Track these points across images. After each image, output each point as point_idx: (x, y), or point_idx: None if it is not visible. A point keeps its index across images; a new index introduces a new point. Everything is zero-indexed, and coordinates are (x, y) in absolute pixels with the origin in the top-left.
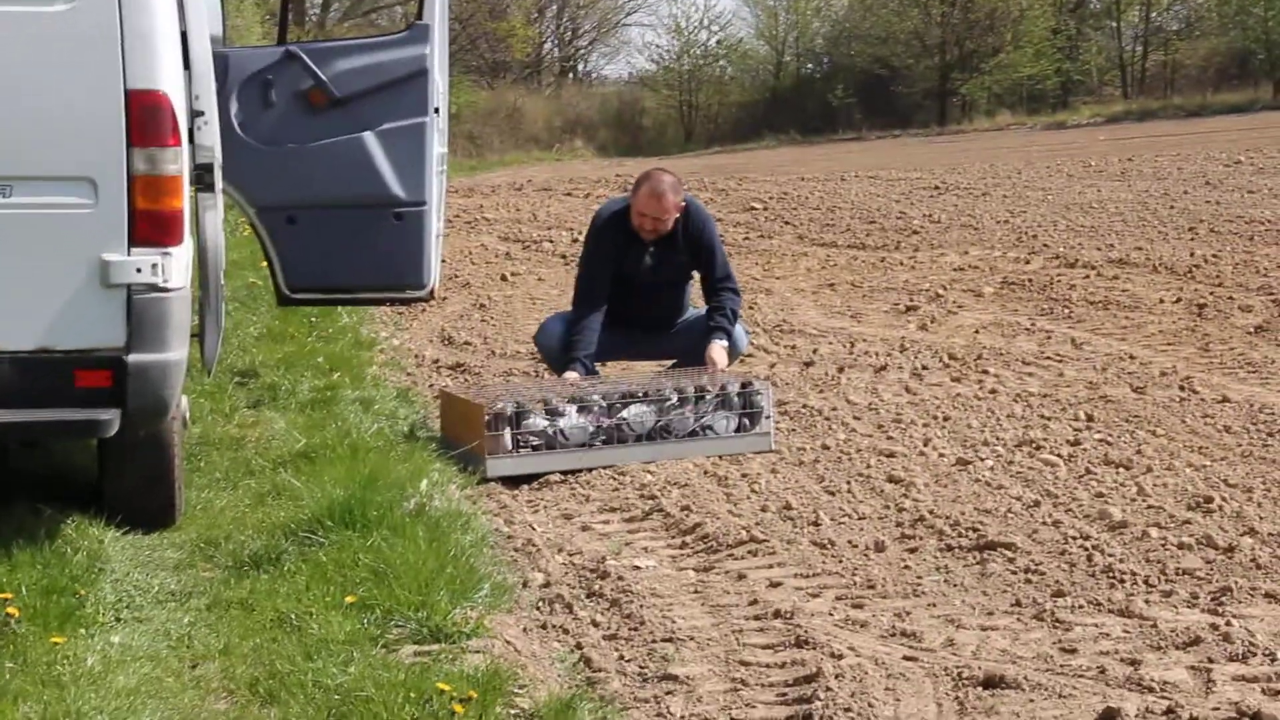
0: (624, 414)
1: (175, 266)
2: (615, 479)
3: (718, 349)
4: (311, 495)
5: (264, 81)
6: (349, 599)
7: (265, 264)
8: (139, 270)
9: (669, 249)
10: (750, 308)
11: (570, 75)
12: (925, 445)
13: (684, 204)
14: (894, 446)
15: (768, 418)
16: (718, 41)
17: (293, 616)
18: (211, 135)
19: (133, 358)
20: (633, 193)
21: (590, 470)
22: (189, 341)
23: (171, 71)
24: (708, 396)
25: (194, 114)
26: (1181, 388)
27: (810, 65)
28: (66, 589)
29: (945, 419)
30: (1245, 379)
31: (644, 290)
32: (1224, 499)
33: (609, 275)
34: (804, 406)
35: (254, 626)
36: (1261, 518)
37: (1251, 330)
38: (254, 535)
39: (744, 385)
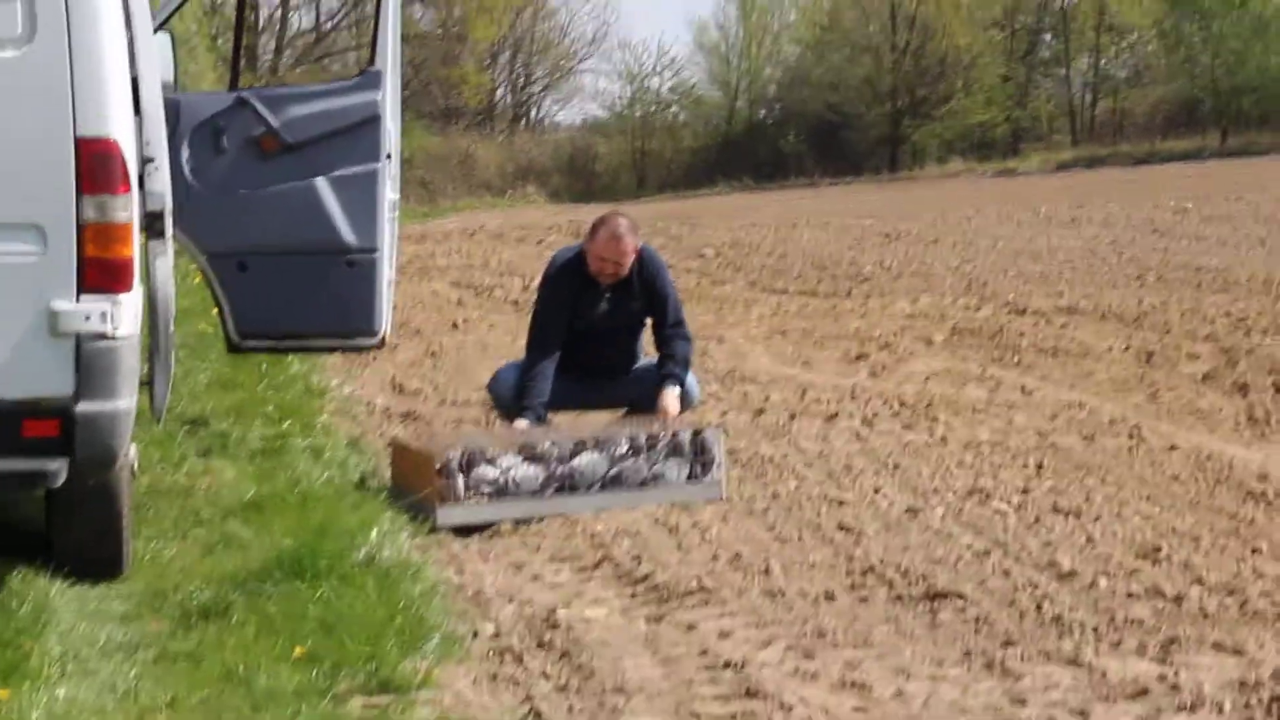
0: (575, 463)
1: (125, 314)
2: (566, 528)
3: (670, 397)
4: (260, 545)
5: (215, 128)
6: (298, 651)
7: (215, 311)
8: (88, 318)
9: (624, 295)
10: (702, 355)
11: (523, 121)
12: (876, 493)
13: (639, 249)
14: (844, 495)
15: (719, 466)
16: (670, 88)
17: (240, 669)
18: (162, 182)
19: (81, 407)
20: (589, 237)
21: (541, 520)
22: (138, 390)
23: (122, 118)
24: (659, 444)
25: (144, 160)
26: (1130, 436)
27: (763, 111)
28: (11, 642)
29: (895, 467)
30: (1193, 427)
31: (598, 337)
32: (1172, 548)
33: (564, 322)
34: (755, 454)
35: (201, 679)
36: (1209, 567)
37: (1199, 378)
38: (202, 586)
39: (695, 433)
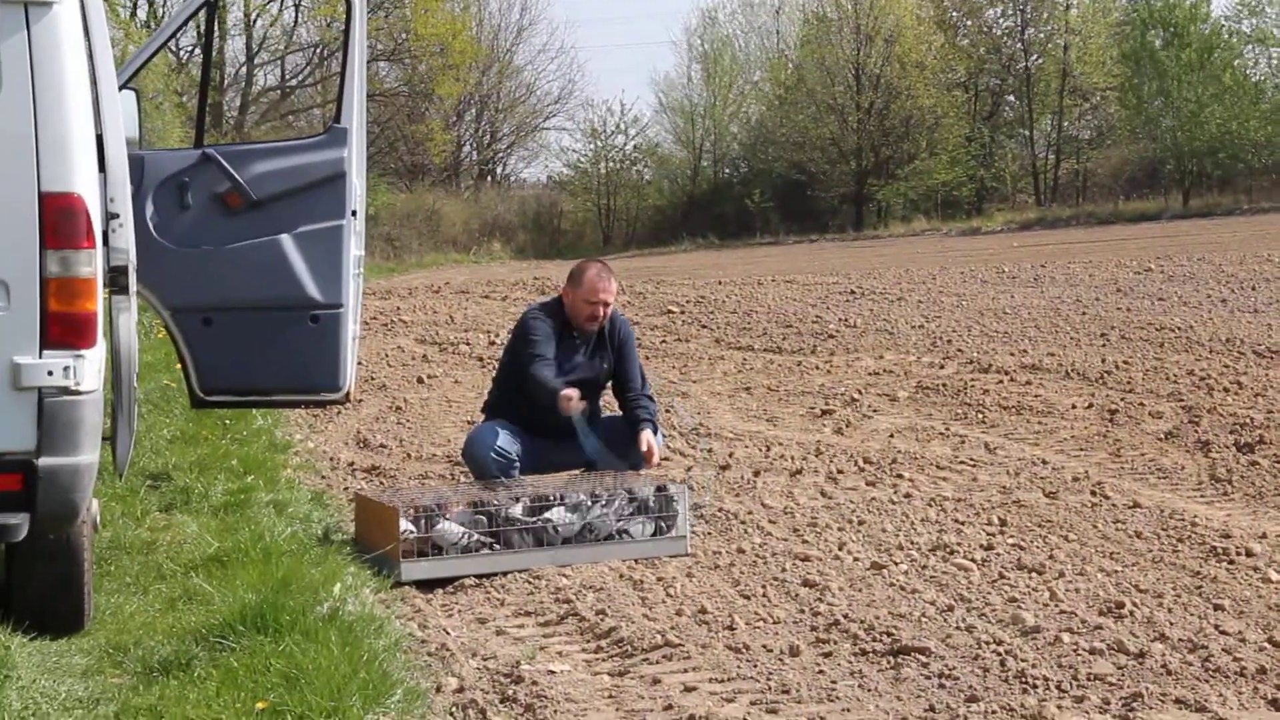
0: (549, 515)
1: (88, 369)
2: (530, 583)
3: (649, 436)
4: (223, 599)
5: (180, 184)
6: (260, 705)
7: (179, 366)
8: (50, 373)
9: (598, 350)
10: (666, 410)
11: (488, 178)
12: (840, 549)
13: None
14: (809, 550)
15: (684, 521)
16: (635, 146)
17: None
18: (126, 237)
19: (43, 461)
20: (573, 283)
21: (505, 574)
22: (100, 444)
23: (86, 174)
24: (620, 500)
25: (109, 216)
26: (1093, 493)
27: (727, 170)
28: None
29: (860, 523)
30: (1156, 485)
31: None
32: (1135, 604)
33: (553, 350)
34: (720, 510)
35: None
36: (1172, 623)
37: (1162, 436)
38: (164, 640)
39: (659, 489)
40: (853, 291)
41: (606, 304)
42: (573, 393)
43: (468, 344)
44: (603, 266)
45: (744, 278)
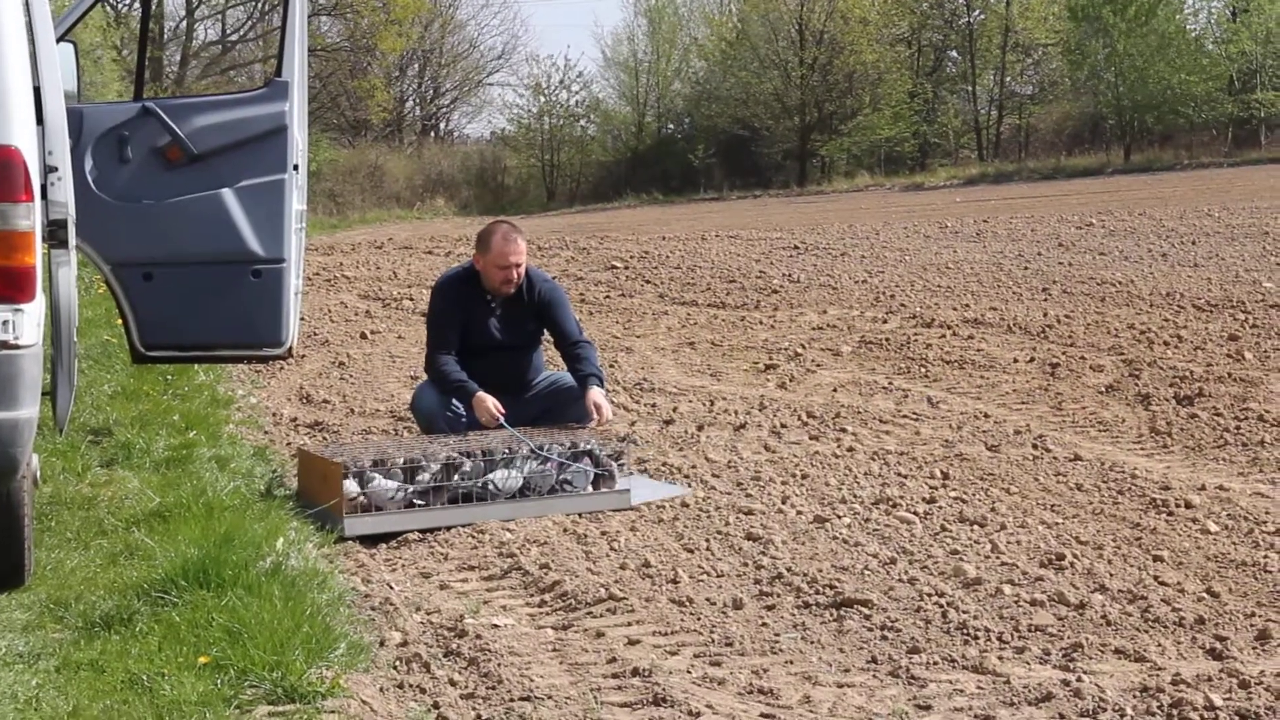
0: (490, 476)
1: (27, 323)
2: (474, 537)
3: (596, 393)
4: (165, 555)
5: (120, 137)
6: (202, 659)
7: (120, 321)
8: None
9: (516, 311)
10: (611, 366)
11: (432, 134)
12: (783, 503)
13: (527, 269)
14: (752, 504)
15: (628, 475)
16: (579, 102)
17: (144, 678)
18: (65, 191)
19: None
20: (481, 248)
21: (449, 529)
22: (40, 399)
23: (24, 127)
24: (567, 454)
25: (47, 169)
26: (1034, 446)
27: (671, 126)
28: None
29: (803, 477)
30: (1096, 437)
31: (495, 354)
32: (1075, 556)
33: (457, 334)
34: (664, 465)
35: (104, 688)
36: (1112, 574)
37: (1103, 390)
38: (105, 596)
39: (604, 443)
40: (796, 247)
41: (517, 265)
42: (485, 405)
43: (411, 300)
44: (510, 228)
45: (688, 233)
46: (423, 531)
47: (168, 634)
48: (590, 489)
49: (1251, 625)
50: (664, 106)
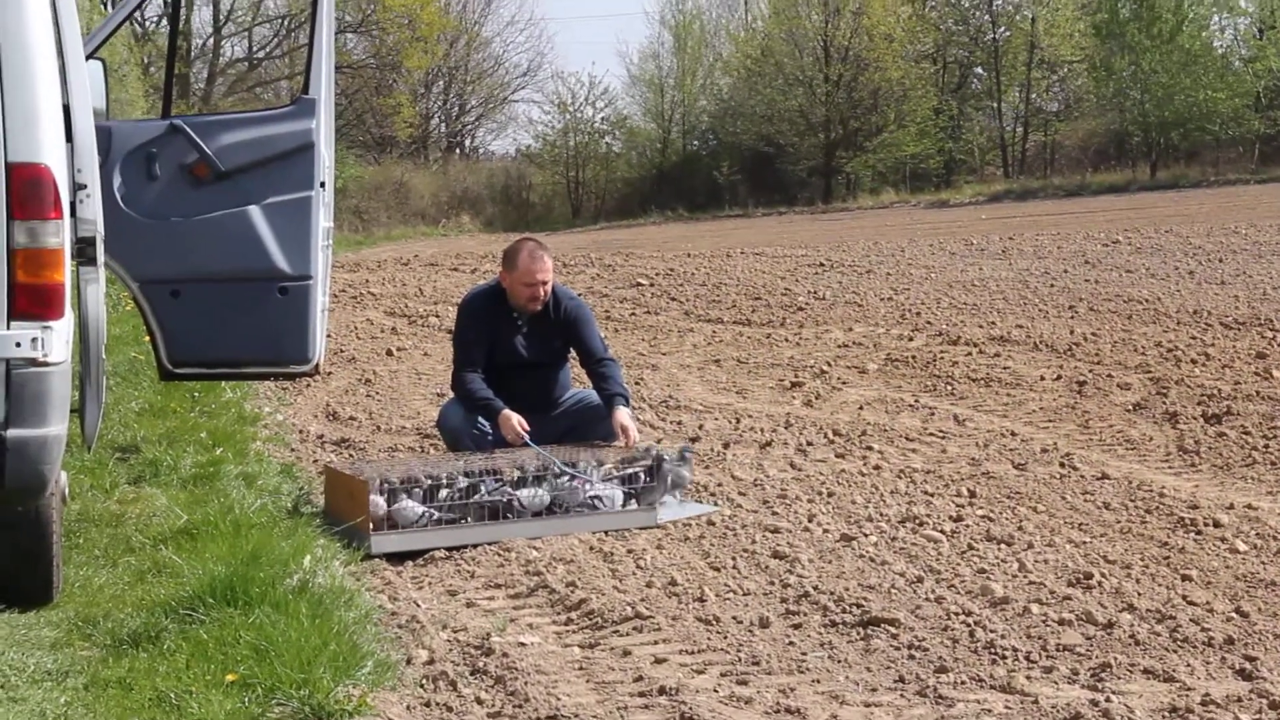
0: (518, 493)
1: (56, 340)
2: (500, 555)
3: (623, 414)
4: (193, 572)
5: (148, 155)
6: (230, 677)
7: (147, 338)
8: (19, 344)
9: (543, 329)
10: (636, 383)
11: (457, 151)
12: (810, 521)
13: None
14: (779, 522)
15: (668, 493)
16: (604, 118)
17: (172, 695)
18: (94, 208)
19: (11, 433)
20: (507, 265)
21: (475, 546)
22: (69, 416)
23: (53, 144)
24: (598, 471)
25: (76, 187)
26: (1062, 464)
27: (696, 142)
28: None
29: (830, 495)
30: (1124, 456)
31: (522, 372)
32: (1103, 575)
33: (484, 353)
34: (690, 483)
35: (132, 706)
36: (1140, 594)
37: (1130, 408)
38: (133, 613)
39: (658, 458)
40: (821, 264)
41: (543, 283)
42: (511, 424)
43: (437, 316)
44: (536, 245)
45: (713, 250)
46: (449, 549)
47: (195, 652)
48: (618, 507)
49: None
50: (689, 123)
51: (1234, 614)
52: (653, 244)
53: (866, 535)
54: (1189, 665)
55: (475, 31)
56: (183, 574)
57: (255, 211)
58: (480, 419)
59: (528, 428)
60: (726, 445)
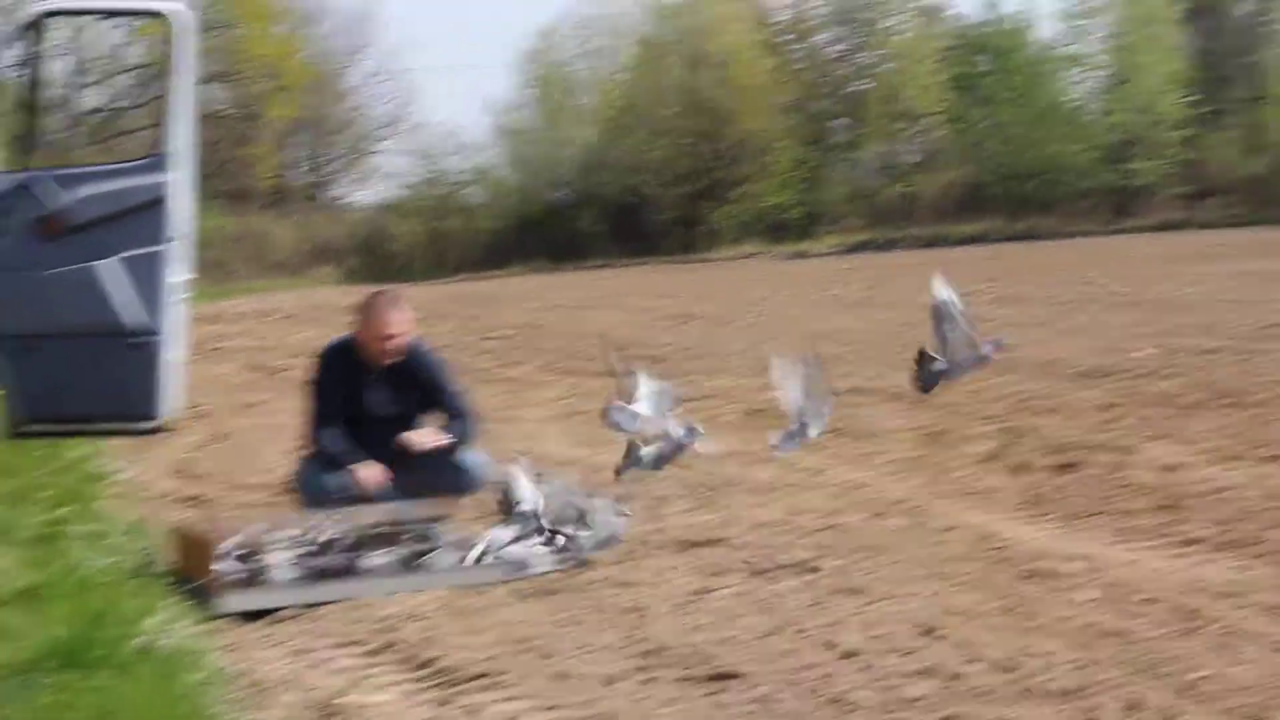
0: (363, 547)
1: None
2: (352, 612)
3: (423, 435)
4: (34, 634)
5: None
6: None
7: None
8: None
9: (399, 382)
10: (494, 438)
11: (319, 201)
12: (663, 574)
13: (411, 339)
14: (633, 575)
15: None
16: (467, 169)
17: None
18: None
19: None
20: (361, 319)
21: (327, 604)
22: None
23: None
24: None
25: None
26: (914, 515)
27: (560, 193)
28: None
29: (685, 547)
30: (974, 506)
31: (377, 427)
32: (952, 626)
33: (339, 405)
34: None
35: None
36: (988, 644)
37: (982, 458)
38: None
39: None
40: (683, 315)
41: (398, 335)
42: (368, 474)
43: (295, 370)
44: (389, 297)
45: (575, 301)
46: (301, 607)
47: (35, 718)
48: (471, 563)
49: (1122, 695)
50: (553, 174)
51: (1079, 663)
52: (515, 295)
53: (720, 588)
54: (1036, 715)
55: (338, 83)
56: (24, 636)
57: (106, 266)
58: (337, 474)
59: (385, 480)
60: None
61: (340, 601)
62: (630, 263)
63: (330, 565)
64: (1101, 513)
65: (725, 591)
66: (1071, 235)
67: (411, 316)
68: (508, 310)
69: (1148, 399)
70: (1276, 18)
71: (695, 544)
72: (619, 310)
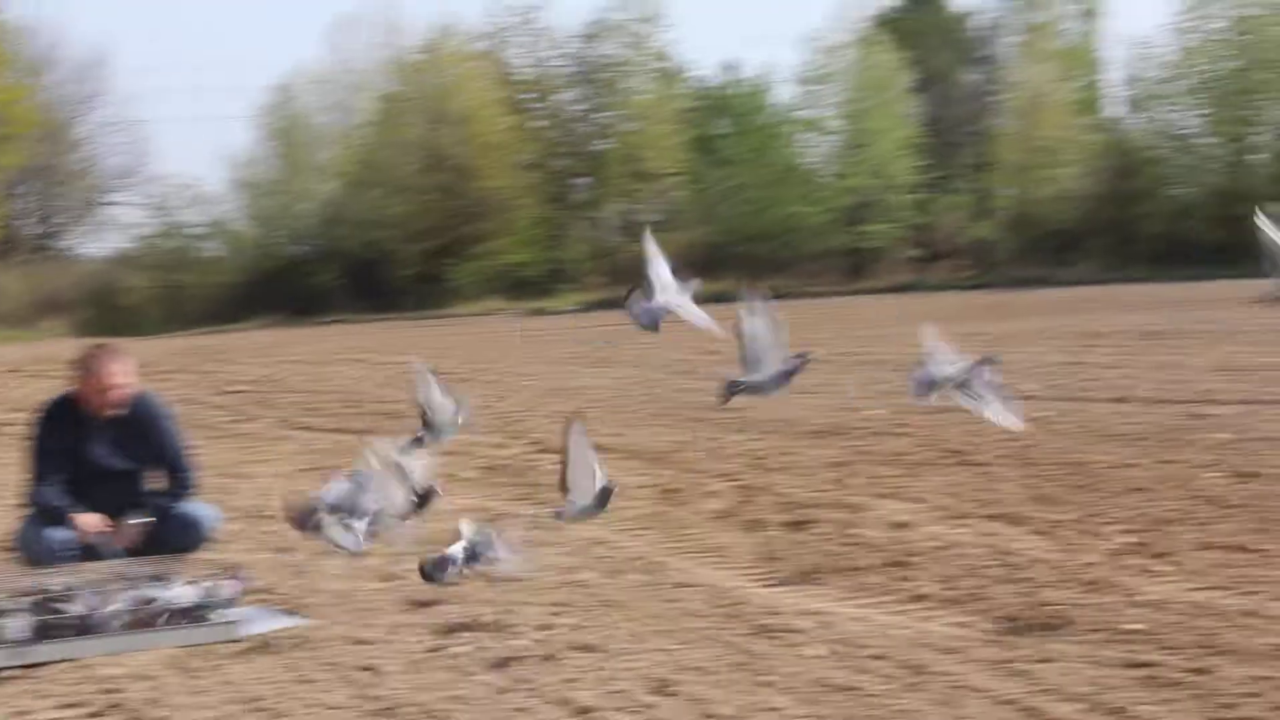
0: (88, 605)
1: None
2: (77, 673)
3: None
4: None
5: None
6: None
7: None
8: None
9: (121, 435)
10: (227, 493)
11: (49, 252)
12: (397, 631)
13: (139, 390)
14: (366, 633)
15: (234, 607)
16: (205, 221)
17: None
18: None
19: None
20: (81, 372)
21: (50, 664)
22: None
23: None
24: (177, 585)
25: None
26: (649, 572)
27: (300, 247)
28: None
29: (418, 605)
30: (708, 563)
31: (101, 482)
32: (685, 682)
33: (61, 461)
34: (276, 594)
35: None
36: (720, 701)
37: (716, 515)
38: None
39: (210, 576)
40: None
41: (120, 387)
42: (88, 521)
43: (18, 425)
44: (109, 350)
45: (313, 356)
46: (22, 667)
47: None
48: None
49: None
50: (293, 228)
51: (808, 719)
52: (251, 349)
53: (454, 645)
54: None
55: (71, 130)
56: None
57: None
58: (60, 529)
59: (107, 530)
60: (319, 555)
61: (64, 661)
62: (371, 318)
63: (54, 623)
64: (832, 570)
65: (459, 649)
66: (808, 296)
67: (133, 368)
68: (244, 364)
69: (878, 457)
70: (1001, 88)
71: (429, 602)
72: (359, 366)
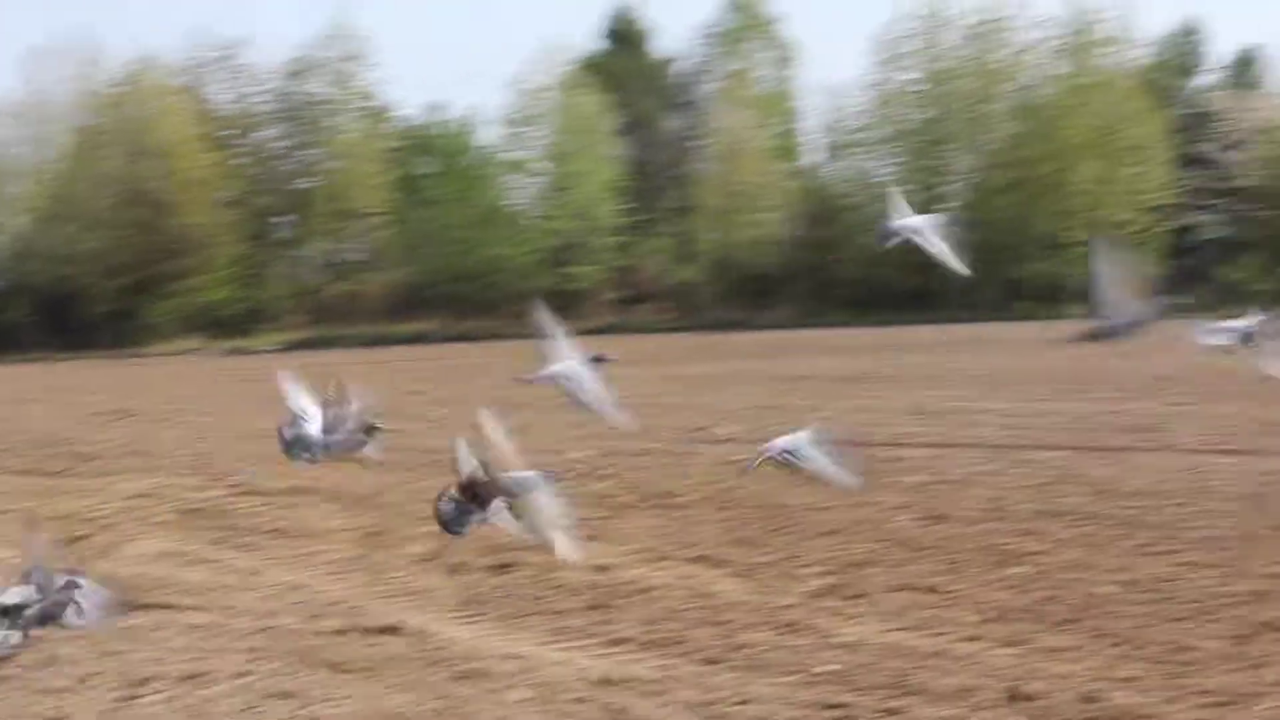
0: None
1: None
2: None
3: None
4: None
5: None
6: None
7: None
8: None
9: None
10: None
11: None
12: (87, 680)
13: None
14: (53, 682)
15: None
16: None
17: None
18: None
19: None
20: None
21: None
22: None
23: None
24: None
25: None
26: (351, 616)
27: None
28: None
29: (113, 654)
30: (412, 606)
31: None
32: None
33: None
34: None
35: None
36: None
37: (420, 558)
38: None
39: None
40: (116, 411)
41: None
42: None
43: None
44: None
45: (6, 395)
46: None
47: None
48: None
49: None
50: None
51: None
52: None
53: (150, 693)
54: None
55: None
56: None
57: None
58: None
59: None
60: None
61: None
62: (66, 356)
63: None
64: (535, 613)
65: (152, 698)
66: (513, 336)
67: None
68: None
69: (583, 499)
70: (703, 133)
71: (119, 650)
72: (51, 404)
